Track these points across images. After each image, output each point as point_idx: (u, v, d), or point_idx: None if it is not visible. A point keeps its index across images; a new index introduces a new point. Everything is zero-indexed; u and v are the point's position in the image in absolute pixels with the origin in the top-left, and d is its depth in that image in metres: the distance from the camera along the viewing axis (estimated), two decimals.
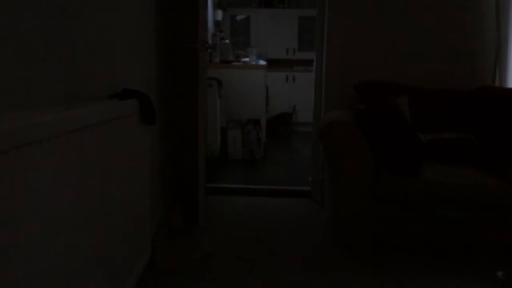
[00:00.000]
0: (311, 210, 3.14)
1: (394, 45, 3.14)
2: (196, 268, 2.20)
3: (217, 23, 5.94)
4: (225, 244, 2.48)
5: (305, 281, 2.11)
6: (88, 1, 1.53)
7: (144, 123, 1.87)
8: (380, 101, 2.69)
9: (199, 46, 2.59)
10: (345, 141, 2.40)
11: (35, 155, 0.95)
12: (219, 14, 6.07)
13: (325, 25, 3.18)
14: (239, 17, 6.94)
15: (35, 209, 0.97)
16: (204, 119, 2.69)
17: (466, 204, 2.34)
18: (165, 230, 2.46)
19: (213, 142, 4.35)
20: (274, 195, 3.47)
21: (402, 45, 3.14)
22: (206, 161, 2.74)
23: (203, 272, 2.16)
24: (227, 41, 5.23)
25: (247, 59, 5.29)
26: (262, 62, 5.33)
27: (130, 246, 1.76)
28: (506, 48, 3.08)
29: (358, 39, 3.15)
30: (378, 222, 2.40)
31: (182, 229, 2.61)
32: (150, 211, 2.08)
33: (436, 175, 2.37)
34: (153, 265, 2.14)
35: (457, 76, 3.13)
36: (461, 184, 2.32)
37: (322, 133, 2.49)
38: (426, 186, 2.34)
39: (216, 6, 5.91)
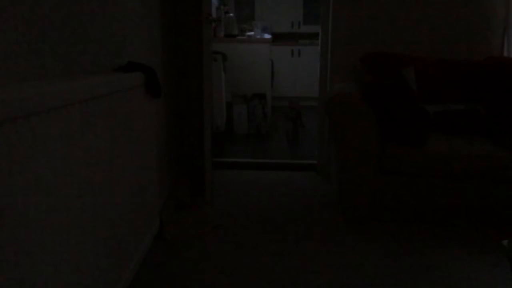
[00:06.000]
0: (317, 183, 3.16)
1: (401, 17, 3.09)
2: (203, 240, 2.23)
3: None
4: (232, 217, 2.51)
5: (312, 252, 2.13)
6: None
7: (150, 96, 1.87)
8: (387, 72, 2.67)
9: (203, 18, 2.56)
10: (351, 113, 2.39)
11: (43, 125, 0.96)
12: None
13: None
14: None
15: (43, 178, 0.98)
16: (210, 92, 2.68)
17: (472, 175, 2.34)
18: (172, 203, 2.49)
19: (218, 117, 4.34)
20: (280, 168, 3.48)
21: (409, 16, 3.09)
22: (212, 135, 2.75)
23: (209, 244, 2.20)
24: (231, 14, 5.18)
25: (252, 33, 5.24)
26: (267, 36, 5.28)
27: (138, 218, 1.78)
28: None
29: (364, 11, 3.10)
30: (384, 194, 2.41)
31: (189, 202, 2.64)
32: (158, 184, 2.10)
33: (442, 146, 2.37)
34: (161, 237, 2.18)
35: (465, 47, 3.09)
36: (467, 155, 2.32)
37: (328, 106, 2.48)
38: (432, 157, 2.33)
39: None
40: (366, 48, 3.01)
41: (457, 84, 2.83)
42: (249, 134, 4.68)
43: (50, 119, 0.99)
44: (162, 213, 2.26)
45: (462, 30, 3.10)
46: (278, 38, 6.38)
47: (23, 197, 0.90)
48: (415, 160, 2.34)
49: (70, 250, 1.13)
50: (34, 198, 0.94)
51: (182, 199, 2.60)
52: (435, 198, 2.39)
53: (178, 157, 2.87)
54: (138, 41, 2.06)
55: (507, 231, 2.27)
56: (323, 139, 3.35)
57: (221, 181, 3.13)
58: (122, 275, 1.55)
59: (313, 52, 5.78)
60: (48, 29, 1.22)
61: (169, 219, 2.31)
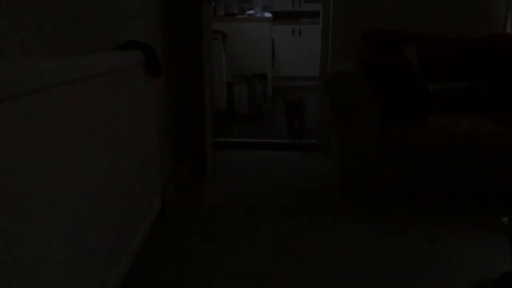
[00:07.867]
0: (318, 162, 3.17)
1: None
2: (204, 219, 2.25)
3: None
4: (232, 196, 2.52)
5: (312, 230, 2.15)
6: None
7: (150, 75, 1.86)
8: (388, 50, 2.64)
9: None
10: (351, 91, 2.38)
11: (43, 101, 0.95)
12: None
13: None
14: None
15: (43, 155, 0.98)
16: (210, 72, 2.67)
17: (474, 153, 2.34)
18: (174, 183, 2.49)
19: (219, 97, 4.33)
20: (281, 148, 3.49)
21: None
22: (212, 115, 2.74)
23: (210, 223, 2.21)
24: None
25: (252, 11, 5.19)
26: (268, 15, 5.22)
27: (141, 196, 1.80)
28: None
29: None
30: (385, 172, 2.41)
31: (191, 181, 2.65)
32: (159, 163, 2.10)
33: (443, 124, 2.36)
34: (163, 216, 2.19)
35: (468, 24, 3.05)
36: (468, 133, 2.32)
37: (329, 84, 2.46)
38: (433, 135, 2.33)
39: None
40: (367, 26, 2.97)
41: (459, 61, 2.80)
42: (250, 114, 4.66)
43: (49, 96, 0.99)
44: (163, 193, 2.27)
45: (465, 7, 3.06)
46: (278, 16, 6.31)
47: (26, 173, 0.90)
48: (416, 138, 2.34)
49: (72, 226, 1.14)
50: (36, 173, 0.94)
51: (184, 179, 2.60)
52: (436, 175, 2.40)
53: (179, 137, 2.87)
54: (138, 20, 2.04)
55: (507, 208, 2.28)
56: (324, 118, 3.34)
57: (222, 160, 3.13)
58: (124, 253, 1.57)
59: (314, 31, 5.71)
60: (47, 7, 1.21)
61: (171, 198, 2.32)
